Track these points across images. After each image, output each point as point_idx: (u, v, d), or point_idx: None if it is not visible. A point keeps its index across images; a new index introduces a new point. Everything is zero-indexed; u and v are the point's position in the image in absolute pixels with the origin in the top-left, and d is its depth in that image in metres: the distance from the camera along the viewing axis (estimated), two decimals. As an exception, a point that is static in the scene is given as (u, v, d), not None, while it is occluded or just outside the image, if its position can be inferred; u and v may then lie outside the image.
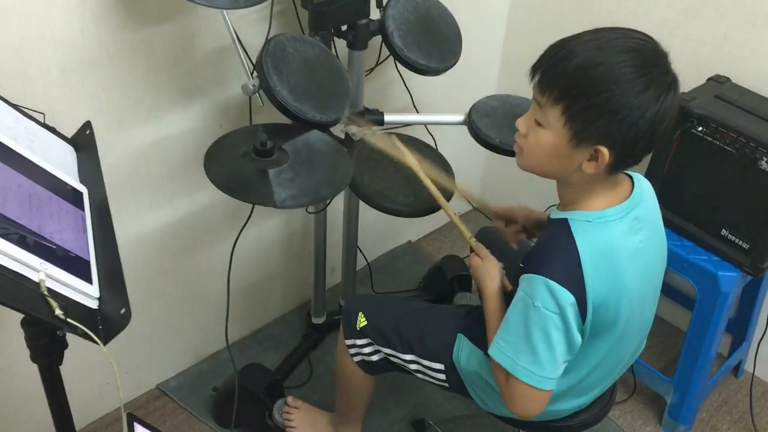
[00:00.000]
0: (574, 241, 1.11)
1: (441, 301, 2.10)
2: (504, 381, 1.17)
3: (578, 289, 1.09)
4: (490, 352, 1.17)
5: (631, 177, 1.20)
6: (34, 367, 1.05)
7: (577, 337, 1.12)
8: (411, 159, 1.46)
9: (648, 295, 1.22)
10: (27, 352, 1.03)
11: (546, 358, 1.11)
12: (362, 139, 1.46)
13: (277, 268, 2.03)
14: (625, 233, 1.14)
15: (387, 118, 1.71)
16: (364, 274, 2.18)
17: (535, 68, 1.10)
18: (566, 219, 1.14)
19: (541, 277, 1.10)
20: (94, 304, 0.96)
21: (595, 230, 1.12)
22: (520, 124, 1.15)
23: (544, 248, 1.17)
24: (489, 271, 1.30)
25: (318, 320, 2.02)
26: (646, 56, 1.04)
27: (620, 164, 1.10)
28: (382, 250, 2.37)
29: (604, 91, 1.02)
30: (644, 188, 1.20)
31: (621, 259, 1.13)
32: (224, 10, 1.36)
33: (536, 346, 1.11)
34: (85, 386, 1.72)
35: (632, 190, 1.17)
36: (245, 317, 2.02)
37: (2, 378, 1.56)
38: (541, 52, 1.10)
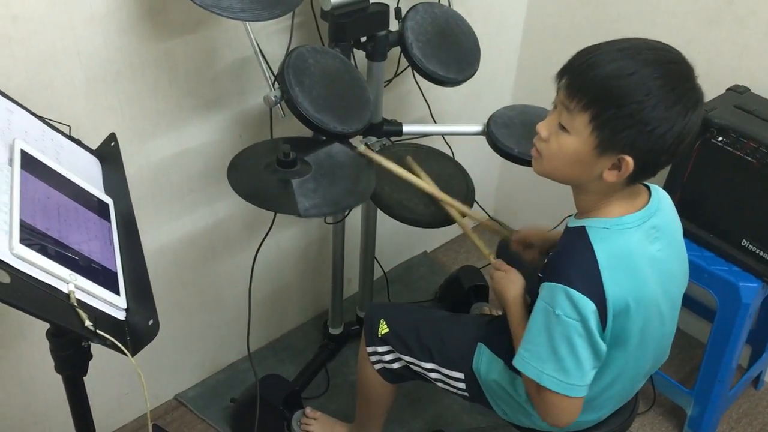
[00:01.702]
0: (592, 248, 1.11)
1: (458, 311, 2.09)
2: (534, 392, 1.17)
3: (598, 295, 1.09)
4: (515, 363, 1.17)
5: (648, 187, 1.20)
6: (55, 378, 1.05)
7: (601, 344, 1.12)
8: (428, 181, 1.48)
9: (667, 305, 1.21)
10: (49, 363, 1.03)
11: (571, 365, 1.11)
12: (379, 164, 1.48)
13: (294, 278, 2.03)
14: (642, 241, 1.14)
15: (405, 128, 1.72)
16: (381, 285, 2.18)
17: (563, 72, 1.10)
18: (584, 226, 1.14)
19: (560, 285, 1.10)
20: (122, 316, 0.97)
21: (613, 237, 1.12)
22: (542, 128, 1.15)
23: (562, 256, 1.17)
24: (513, 281, 1.31)
25: (335, 331, 2.02)
26: (675, 70, 1.05)
27: (641, 175, 1.10)
28: (399, 260, 2.37)
29: (635, 101, 1.02)
30: (662, 198, 1.20)
31: (638, 266, 1.13)
32: (246, 22, 1.37)
33: (561, 354, 1.11)
34: (105, 396, 1.72)
35: (649, 200, 1.17)
36: (262, 328, 2.03)
37: (24, 388, 1.57)
38: (560, 60, 1.10)
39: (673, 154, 1.07)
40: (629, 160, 1.06)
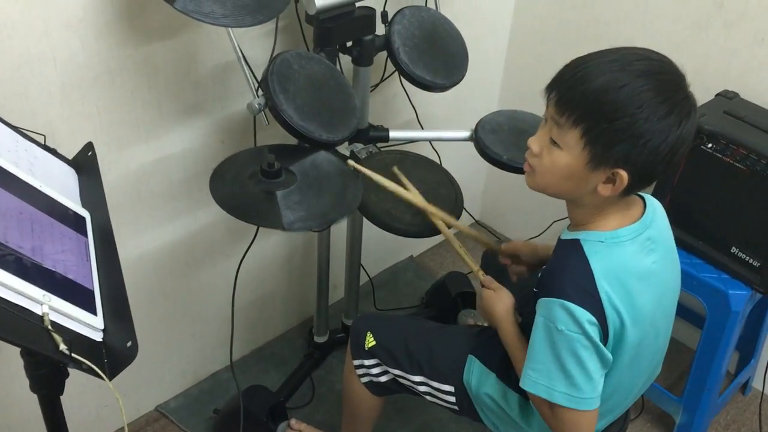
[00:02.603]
0: (588, 262, 1.09)
1: (445, 317, 2.07)
2: (548, 412, 1.13)
3: (596, 309, 1.07)
4: (523, 385, 1.14)
5: (642, 197, 1.18)
6: (31, 393, 1.01)
7: (606, 352, 1.09)
8: (415, 192, 1.46)
9: (662, 318, 1.19)
10: (24, 378, 0.99)
11: (581, 379, 1.08)
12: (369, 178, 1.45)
13: (277, 285, 2.00)
14: (637, 254, 1.12)
15: (392, 134, 1.69)
16: (366, 291, 2.14)
17: (552, 87, 1.07)
18: (578, 239, 1.12)
19: (557, 299, 1.08)
20: (98, 337, 0.93)
21: (608, 250, 1.10)
22: (533, 143, 1.12)
23: (556, 270, 1.14)
24: (502, 300, 1.29)
25: (320, 339, 1.99)
26: (667, 80, 1.02)
27: (636, 187, 1.08)
28: (384, 265, 2.34)
29: (627, 115, 1.00)
30: (656, 209, 1.18)
31: (634, 280, 1.10)
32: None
33: (569, 369, 1.08)
34: (83, 408, 1.68)
35: (644, 211, 1.15)
36: (246, 336, 1.99)
37: (-1, 403, 1.52)
38: (548, 63, 1.08)
39: (669, 164, 1.05)
40: (623, 174, 1.03)
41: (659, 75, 1.02)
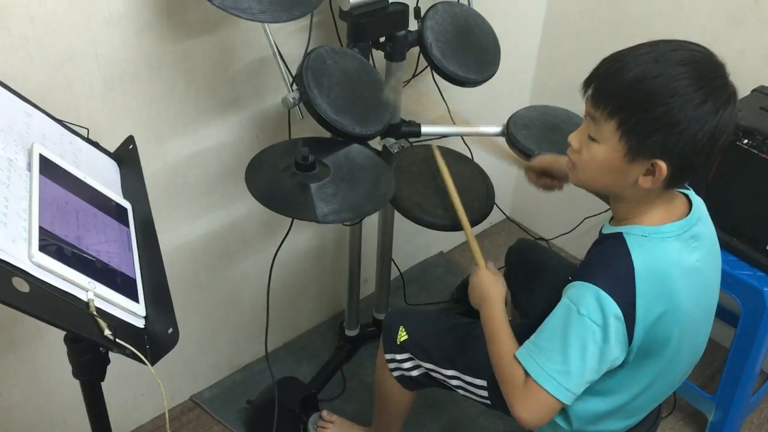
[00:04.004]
0: (630, 256, 1.08)
1: (474, 313, 2.07)
2: (521, 383, 1.11)
3: (628, 304, 1.06)
4: (518, 354, 1.12)
5: (686, 194, 1.17)
6: (71, 378, 1.04)
7: (614, 356, 1.09)
8: (447, 175, 1.46)
9: (701, 317, 1.19)
10: (66, 365, 1.02)
11: (576, 370, 1.08)
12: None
13: (310, 279, 2.02)
14: (681, 251, 1.11)
15: (424, 129, 1.70)
16: (397, 285, 2.16)
17: (588, 82, 1.07)
18: (621, 233, 1.12)
19: (591, 284, 1.07)
20: (140, 324, 0.96)
21: (652, 246, 1.09)
22: (573, 139, 1.13)
23: (597, 260, 1.14)
24: (500, 284, 1.29)
25: (351, 332, 2.01)
26: (703, 68, 1.01)
27: (678, 179, 1.07)
28: (414, 260, 2.35)
29: (661, 104, 0.99)
30: (700, 206, 1.17)
31: (676, 278, 1.10)
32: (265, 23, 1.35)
33: (570, 356, 1.07)
34: (121, 396, 1.72)
35: (689, 208, 1.14)
36: (278, 329, 2.01)
37: (41, 390, 1.56)
38: (581, 59, 1.10)
39: (709, 154, 1.03)
40: (662, 164, 1.03)
41: (695, 64, 1.01)
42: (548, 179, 1.42)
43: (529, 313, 1.55)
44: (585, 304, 1.07)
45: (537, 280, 1.57)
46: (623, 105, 1.02)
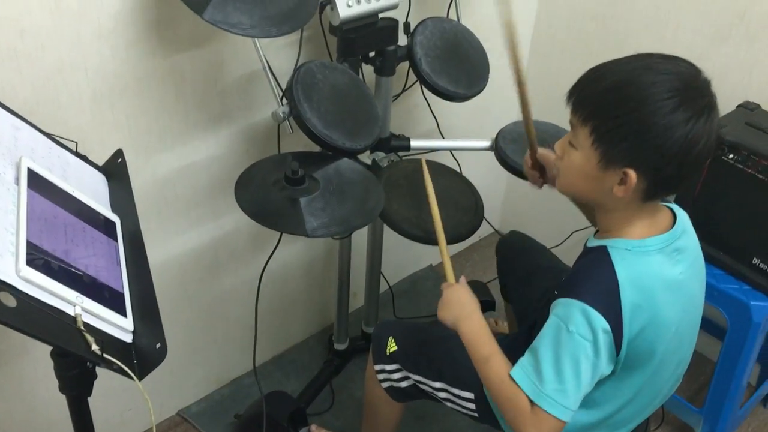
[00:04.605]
0: (614, 269, 1.09)
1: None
2: (526, 408, 1.09)
3: (614, 317, 1.07)
4: (514, 374, 1.11)
5: (670, 208, 1.18)
6: (57, 394, 1.03)
7: (603, 369, 1.09)
8: (431, 190, 1.43)
9: (686, 330, 1.19)
10: (51, 379, 1.01)
11: (572, 387, 1.07)
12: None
13: (299, 292, 2.02)
14: (664, 264, 1.12)
15: (414, 143, 1.71)
16: (386, 299, 2.16)
17: (571, 91, 1.09)
18: (605, 246, 1.12)
19: (577, 301, 1.07)
20: (128, 338, 0.95)
21: (635, 259, 1.10)
22: (557, 146, 1.15)
23: (581, 275, 1.14)
24: (472, 294, 1.24)
25: (340, 346, 2.00)
26: (680, 80, 1.01)
27: (655, 190, 1.08)
28: (404, 273, 2.35)
29: (629, 111, 1.01)
30: (684, 219, 1.18)
31: (660, 290, 1.10)
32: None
33: (564, 374, 1.07)
34: (108, 412, 1.70)
35: (674, 221, 1.15)
36: (267, 342, 2.01)
37: (26, 405, 1.55)
38: (568, 74, 1.11)
39: (681, 165, 1.03)
40: (632, 173, 1.04)
41: (672, 74, 1.01)
42: (537, 173, 1.42)
43: (523, 305, 1.58)
44: (573, 321, 1.07)
45: (528, 270, 1.60)
46: (596, 111, 1.04)
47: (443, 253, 1.34)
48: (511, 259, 1.68)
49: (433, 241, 1.50)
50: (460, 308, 1.22)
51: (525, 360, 1.12)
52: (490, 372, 1.14)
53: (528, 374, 1.10)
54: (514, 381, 1.11)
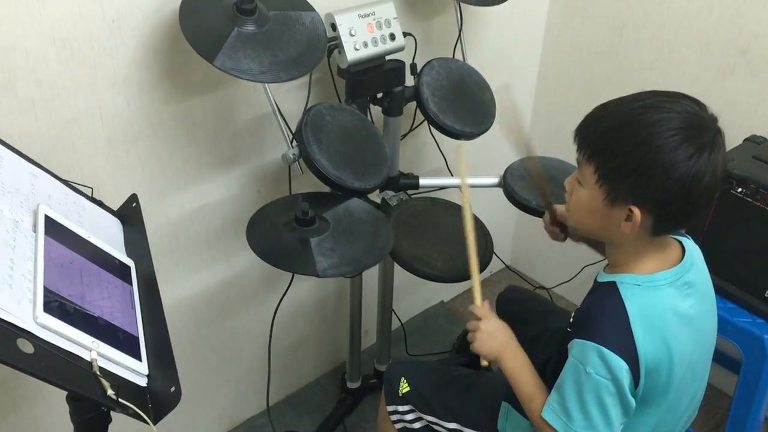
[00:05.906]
0: (624, 305, 1.09)
1: (476, 363, 2.06)
2: None
3: (630, 354, 1.07)
4: (544, 415, 1.13)
5: (680, 241, 1.18)
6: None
7: (631, 400, 1.09)
8: (469, 218, 1.42)
9: (699, 363, 1.19)
10: (66, 423, 1.02)
11: (601, 423, 1.08)
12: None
13: (310, 331, 2.02)
14: (675, 298, 1.12)
15: (422, 182, 1.72)
16: (398, 336, 2.16)
17: (577, 130, 1.11)
18: (615, 282, 1.13)
19: (592, 343, 1.08)
20: (143, 382, 0.96)
21: (645, 294, 1.10)
22: (567, 183, 1.17)
23: (593, 312, 1.15)
24: (504, 327, 1.26)
25: (353, 385, 2.00)
26: (682, 118, 1.02)
27: (661, 226, 1.08)
28: (416, 311, 2.35)
29: (631, 150, 1.02)
30: (694, 252, 1.19)
31: (671, 324, 1.10)
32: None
33: (591, 412, 1.08)
34: (121, 455, 1.70)
35: (683, 255, 1.15)
36: (279, 382, 2.01)
37: (40, 448, 1.55)
38: (574, 111, 1.13)
39: (686, 201, 1.03)
40: (636, 211, 1.05)
41: (674, 113, 1.02)
42: (557, 229, 1.43)
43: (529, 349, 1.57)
44: (591, 363, 1.08)
45: (528, 323, 1.59)
46: (600, 150, 1.06)
47: (473, 272, 1.35)
48: (511, 312, 1.65)
49: (443, 278, 1.51)
50: (499, 342, 1.25)
51: (552, 399, 1.14)
52: (534, 413, 1.17)
53: (557, 413, 1.12)
54: (545, 421, 1.13)
